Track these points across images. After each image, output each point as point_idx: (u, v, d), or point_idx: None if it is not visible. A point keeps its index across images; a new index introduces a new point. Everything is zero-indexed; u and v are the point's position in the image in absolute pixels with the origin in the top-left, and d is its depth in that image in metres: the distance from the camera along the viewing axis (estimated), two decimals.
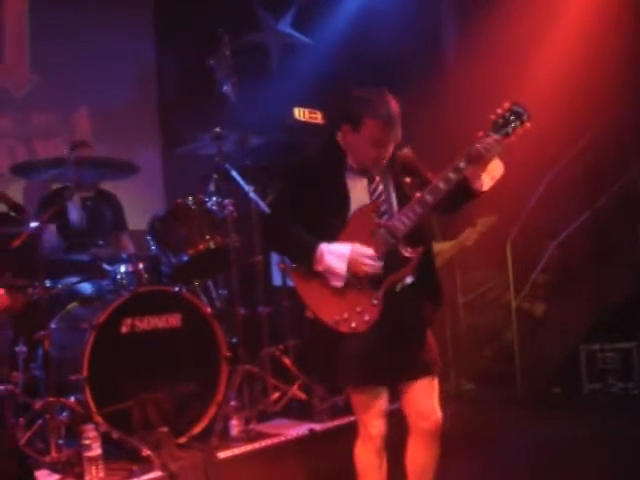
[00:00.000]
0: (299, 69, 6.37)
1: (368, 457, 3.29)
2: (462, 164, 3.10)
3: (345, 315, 3.11)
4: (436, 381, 3.32)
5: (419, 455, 3.35)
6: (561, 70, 6.04)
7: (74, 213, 4.78)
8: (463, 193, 3.21)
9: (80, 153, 4.69)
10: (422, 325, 3.30)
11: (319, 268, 3.13)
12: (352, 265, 3.10)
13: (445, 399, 3.41)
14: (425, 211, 3.13)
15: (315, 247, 3.11)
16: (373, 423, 3.24)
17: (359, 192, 3.22)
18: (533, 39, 6.10)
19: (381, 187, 3.25)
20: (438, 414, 3.31)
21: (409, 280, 3.22)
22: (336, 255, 3.10)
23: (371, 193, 3.23)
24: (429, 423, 3.29)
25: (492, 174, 3.22)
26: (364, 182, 3.24)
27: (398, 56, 6.69)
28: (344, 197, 3.20)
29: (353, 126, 3.16)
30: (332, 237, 3.16)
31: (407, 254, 3.15)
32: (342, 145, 3.25)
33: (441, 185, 3.10)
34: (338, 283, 3.14)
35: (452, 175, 3.10)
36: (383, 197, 3.24)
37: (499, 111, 3.12)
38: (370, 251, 3.12)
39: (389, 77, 6.40)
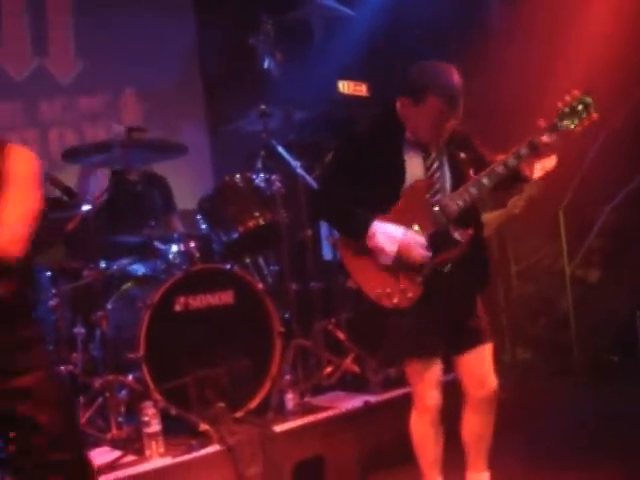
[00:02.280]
0: (342, 42, 6.31)
1: (424, 428, 3.31)
2: (524, 152, 3.06)
3: (388, 290, 3.13)
4: (490, 348, 3.32)
5: (475, 423, 3.36)
6: (610, 30, 5.89)
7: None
8: (514, 178, 3.19)
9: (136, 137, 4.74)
10: (471, 297, 3.30)
11: (369, 244, 3.13)
12: (402, 250, 3.10)
13: (501, 369, 3.41)
14: (480, 194, 3.12)
15: (368, 224, 3.11)
16: (428, 394, 3.24)
17: (415, 167, 3.20)
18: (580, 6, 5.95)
19: (437, 163, 3.22)
20: (493, 381, 3.32)
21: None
22: (388, 236, 3.10)
23: (426, 169, 3.21)
24: (484, 391, 3.30)
25: (544, 165, 3.17)
26: (420, 157, 3.22)
27: (441, 25, 6.59)
28: (400, 171, 3.18)
29: (415, 100, 3.12)
30: (383, 210, 3.16)
31: (457, 237, 3.14)
32: (401, 117, 3.21)
33: (499, 170, 3.08)
34: (385, 262, 3.15)
35: (512, 161, 3.08)
36: (438, 174, 3.21)
37: (567, 99, 3.04)
38: (422, 239, 3.11)
39: (432, 47, 6.34)
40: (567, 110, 3.03)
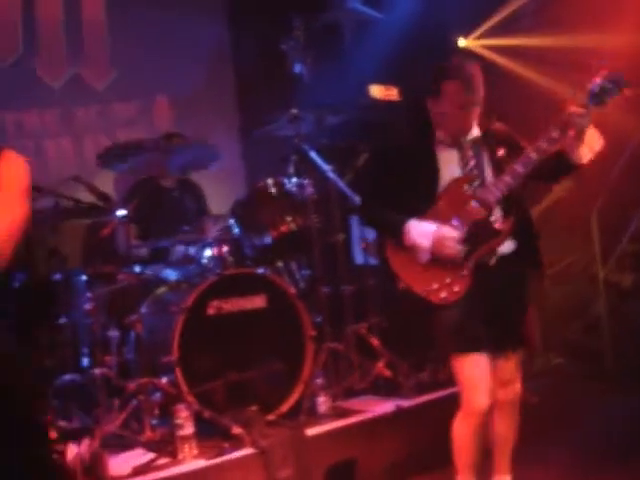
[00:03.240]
0: (373, 46, 6.32)
1: (467, 432, 3.28)
2: (555, 134, 3.07)
3: (435, 286, 3.17)
4: (521, 355, 3.35)
5: (501, 424, 3.39)
6: None
7: None
8: (563, 165, 3.18)
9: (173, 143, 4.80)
10: (523, 296, 3.32)
11: (406, 243, 3.20)
12: (435, 245, 3.15)
13: (533, 373, 3.41)
14: (516, 181, 3.12)
15: (403, 223, 3.19)
16: (477, 399, 3.20)
17: (450, 165, 3.26)
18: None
19: (473, 160, 3.24)
20: (518, 386, 3.35)
21: (507, 250, 3.22)
22: (421, 233, 3.17)
23: (463, 166, 3.25)
24: (508, 393, 3.34)
25: (591, 145, 3.15)
26: (455, 155, 3.27)
27: (471, 25, 6.58)
28: (434, 171, 3.24)
29: (435, 95, 3.23)
30: (423, 211, 3.22)
31: (497, 226, 3.14)
32: (431, 120, 3.31)
33: (533, 155, 3.08)
34: (424, 258, 3.20)
35: (544, 145, 3.08)
36: (476, 170, 3.23)
37: (596, 79, 3.05)
38: (455, 233, 3.15)
39: (459, 49, 6.33)
40: (596, 89, 3.05)
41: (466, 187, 3.21)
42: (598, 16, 5.56)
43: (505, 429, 3.40)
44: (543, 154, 3.09)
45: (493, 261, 3.22)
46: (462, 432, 3.31)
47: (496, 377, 3.29)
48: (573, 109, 3.05)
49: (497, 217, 3.20)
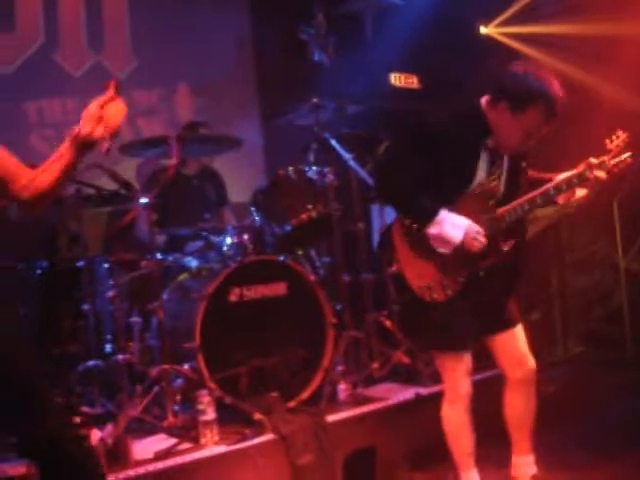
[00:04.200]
0: (393, 34, 6.31)
1: (459, 417, 3.39)
2: (575, 181, 3.17)
3: (430, 284, 3.25)
4: (521, 329, 3.39)
5: (516, 405, 3.42)
6: None
7: None
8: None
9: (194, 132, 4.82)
10: (502, 300, 3.38)
11: (433, 231, 3.15)
12: (467, 238, 3.16)
13: (553, 361, 3.43)
14: (531, 212, 3.23)
15: (437, 210, 3.15)
16: (461, 382, 3.34)
17: (482, 169, 3.24)
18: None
19: (498, 170, 3.26)
20: (531, 361, 3.38)
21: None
22: (455, 225, 3.15)
23: (492, 174, 3.25)
24: (522, 370, 3.37)
25: (575, 195, 3.27)
26: (486, 161, 3.24)
27: (492, 15, 6.54)
28: (472, 172, 3.22)
29: (514, 108, 3.08)
30: (446, 205, 3.20)
31: (502, 247, 3.23)
32: (489, 119, 3.19)
33: (552, 192, 3.19)
34: (446, 250, 3.20)
35: (564, 187, 3.17)
36: (496, 180, 3.26)
37: (615, 139, 3.18)
38: (482, 230, 3.18)
39: (483, 38, 6.30)
40: (616, 151, 3.16)
41: (487, 198, 3.24)
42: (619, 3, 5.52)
43: (521, 409, 3.42)
44: (559, 193, 3.19)
45: (482, 274, 3.28)
46: (453, 419, 3.40)
47: (507, 356, 3.37)
48: (593, 169, 3.14)
49: (503, 237, 3.25)
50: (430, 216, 3.15)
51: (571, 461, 3.98)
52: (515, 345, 3.37)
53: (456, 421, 3.40)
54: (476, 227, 3.17)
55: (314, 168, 4.70)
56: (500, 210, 3.22)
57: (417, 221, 3.23)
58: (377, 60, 6.10)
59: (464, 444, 3.41)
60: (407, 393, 4.41)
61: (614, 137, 3.18)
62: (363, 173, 4.77)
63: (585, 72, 5.48)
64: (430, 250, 3.24)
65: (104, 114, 2.64)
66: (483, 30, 6.37)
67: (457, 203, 3.22)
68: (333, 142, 4.82)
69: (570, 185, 3.17)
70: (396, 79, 6.15)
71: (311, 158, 4.86)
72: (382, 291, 4.98)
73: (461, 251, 3.19)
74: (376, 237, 5.38)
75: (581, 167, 3.16)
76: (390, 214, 4.95)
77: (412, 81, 6.21)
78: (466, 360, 3.34)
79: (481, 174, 3.23)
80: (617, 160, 3.16)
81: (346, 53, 5.78)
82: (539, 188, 3.20)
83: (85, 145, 2.61)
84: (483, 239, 3.16)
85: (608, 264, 6.12)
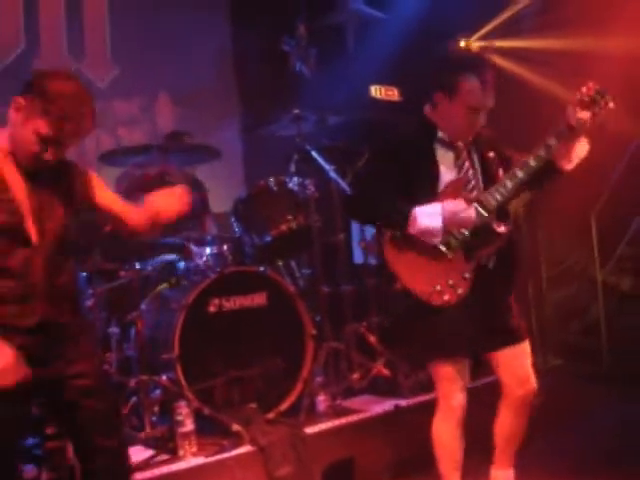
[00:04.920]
0: (374, 47, 6.34)
1: (450, 429, 3.34)
2: (552, 142, 3.14)
3: (438, 287, 3.17)
4: (528, 347, 3.35)
5: (509, 422, 3.40)
6: None
7: None
8: (548, 171, 3.25)
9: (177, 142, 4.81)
10: (506, 295, 3.35)
11: (413, 231, 3.15)
12: (448, 219, 3.13)
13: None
14: (515, 186, 3.17)
15: (408, 210, 3.14)
16: (456, 395, 3.29)
17: (447, 167, 3.25)
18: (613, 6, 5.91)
19: (468, 162, 3.27)
20: (533, 382, 3.35)
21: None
22: (429, 213, 3.13)
23: (458, 168, 3.26)
24: (523, 390, 3.34)
25: (577, 153, 3.24)
26: (451, 156, 3.27)
27: (473, 28, 6.59)
28: (434, 172, 3.23)
29: (448, 92, 3.18)
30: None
31: (498, 229, 3.18)
32: (432, 118, 3.27)
33: (531, 162, 3.14)
34: (436, 240, 3.16)
35: (543, 153, 3.14)
36: (471, 172, 3.26)
37: (584, 90, 3.14)
38: (461, 204, 3.14)
39: (462, 50, 6.33)
40: (586, 99, 3.14)
41: (463, 190, 3.22)
42: (599, 19, 5.58)
43: (515, 427, 3.40)
44: (540, 161, 3.15)
45: (492, 264, 3.25)
46: (444, 431, 3.35)
47: (511, 374, 3.33)
48: (568, 117, 3.13)
49: (497, 220, 3.22)
50: (405, 218, 3.15)
51: (551, 473, 3.99)
52: (521, 363, 3.32)
53: (446, 433, 3.35)
54: (450, 204, 3.13)
55: (295, 179, 4.71)
56: (484, 194, 3.19)
57: (396, 227, 3.22)
58: (359, 72, 6.11)
59: (451, 457, 3.37)
60: (386, 405, 4.41)
61: (583, 87, 3.15)
62: (344, 184, 4.77)
63: (564, 87, 5.53)
64: (428, 253, 3.19)
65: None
66: (463, 44, 6.41)
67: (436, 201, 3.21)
68: (314, 153, 4.82)
69: (549, 147, 3.13)
70: (377, 91, 6.17)
71: (292, 169, 4.86)
72: (362, 302, 4.98)
73: (452, 233, 3.17)
74: (356, 248, 5.40)
75: (556, 126, 3.16)
76: (370, 227, 4.99)
77: (393, 93, 6.23)
78: (463, 373, 3.29)
79: (448, 172, 3.24)
80: (600, 105, 3.12)
81: (327, 65, 5.78)
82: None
83: None
84: (466, 211, 3.12)
85: (585, 277, 6.16)
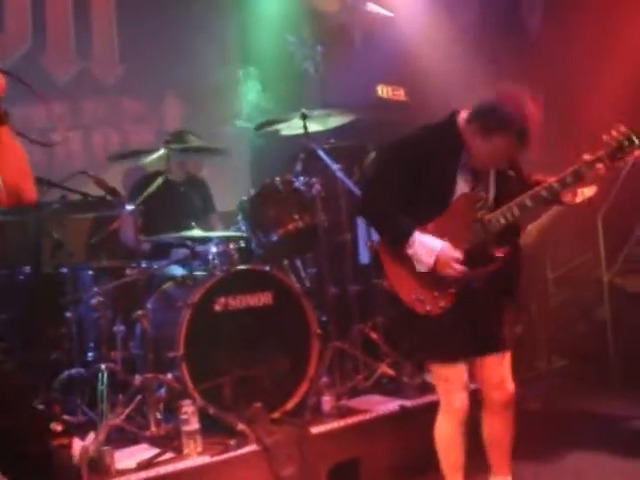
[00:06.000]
0: (381, 46, 6.33)
1: (452, 431, 3.36)
2: (569, 180, 3.12)
3: (421, 297, 3.23)
4: (509, 357, 3.38)
5: (493, 427, 3.43)
6: None
7: None
8: (552, 202, 3.30)
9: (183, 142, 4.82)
10: (498, 308, 3.35)
11: (409, 252, 3.19)
12: (439, 264, 3.16)
13: (536, 376, 3.43)
14: (522, 214, 3.19)
15: (410, 232, 3.17)
16: (457, 396, 3.31)
17: (463, 180, 3.25)
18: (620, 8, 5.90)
19: (485, 181, 3.28)
20: (510, 386, 3.38)
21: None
22: (427, 248, 3.17)
23: (472, 182, 3.26)
24: (499, 393, 3.37)
25: (584, 193, 3.24)
26: (470, 173, 3.26)
27: (481, 30, 6.58)
28: (451, 184, 3.23)
29: (482, 133, 3.13)
30: (427, 218, 3.22)
31: (495, 253, 3.21)
32: (463, 134, 3.22)
33: (544, 193, 3.15)
34: (421, 269, 3.22)
35: (557, 187, 3.14)
36: (482, 189, 3.27)
37: (614, 134, 3.08)
38: (459, 255, 3.17)
39: (472, 52, 6.32)
40: (614, 145, 3.08)
41: (474, 206, 3.24)
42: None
43: (498, 430, 3.43)
44: (553, 195, 3.16)
45: (478, 285, 3.26)
46: (446, 433, 3.37)
47: (487, 378, 3.37)
48: (592, 162, 3.09)
49: (495, 243, 3.23)
50: (404, 237, 3.18)
51: (556, 476, 3.98)
52: (499, 369, 3.36)
53: (448, 434, 3.37)
54: (449, 251, 3.16)
55: (301, 178, 4.70)
56: (489, 216, 3.20)
57: (393, 242, 3.27)
58: (366, 71, 6.10)
59: (454, 458, 3.39)
60: (392, 405, 4.40)
61: (613, 131, 3.10)
62: (350, 184, 4.76)
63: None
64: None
65: None
66: None
67: (442, 215, 3.22)
68: (320, 152, 4.81)
69: (565, 184, 3.12)
70: (383, 91, 6.16)
71: (299, 168, 4.85)
72: (368, 302, 4.98)
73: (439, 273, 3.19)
74: (362, 248, 5.38)
75: (577, 164, 3.12)
76: None
77: (399, 93, 6.22)
78: (460, 373, 3.31)
79: (463, 185, 3.24)
80: (622, 153, 3.07)
81: (335, 63, 5.77)
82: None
83: None
84: (456, 265, 3.15)
85: (591, 278, 6.15)
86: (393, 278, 3.31)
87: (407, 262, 3.25)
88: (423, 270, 3.21)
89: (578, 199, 3.23)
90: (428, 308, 3.22)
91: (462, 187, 3.24)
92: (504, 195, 3.25)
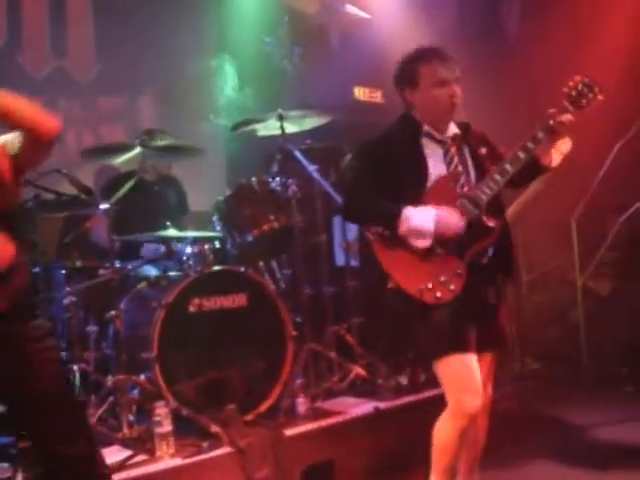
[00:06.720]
0: (359, 48, 6.34)
1: (453, 435, 3.19)
2: (540, 134, 3.14)
3: (430, 285, 3.13)
4: (493, 356, 3.34)
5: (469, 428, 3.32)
6: (626, 43, 5.91)
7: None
8: (532, 169, 3.25)
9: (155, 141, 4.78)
10: (501, 297, 3.33)
11: (403, 230, 3.13)
12: (440, 226, 3.12)
13: (509, 378, 3.42)
14: (505, 180, 3.16)
15: (400, 209, 3.14)
16: (468, 399, 3.13)
17: (435, 163, 3.25)
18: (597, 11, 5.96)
19: (457, 158, 3.26)
20: (489, 389, 3.34)
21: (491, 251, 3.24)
22: (423, 215, 3.12)
23: (447, 164, 3.26)
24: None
25: (560, 150, 3.26)
26: (440, 152, 3.27)
27: (458, 32, 6.60)
28: (423, 168, 3.23)
29: (412, 84, 3.24)
30: (412, 206, 3.17)
31: (490, 224, 3.17)
32: (414, 116, 3.29)
33: (520, 154, 3.15)
34: (424, 243, 3.14)
35: (530, 145, 3.14)
36: (460, 167, 3.26)
37: (571, 84, 3.16)
38: (455, 215, 3.14)
39: (451, 52, 6.33)
40: (574, 94, 3.16)
41: (453, 185, 3.21)
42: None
43: (474, 432, 3.32)
44: (529, 153, 3.15)
45: (485, 260, 3.22)
46: (448, 433, 3.21)
47: None
48: (556, 113, 3.13)
49: (488, 215, 3.19)
50: (396, 217, 3.14)
51: (529, 476, 3.99)
52: (483, 370, 3.26)
53: (450, 437, 3.20)
54: (445, 210, 3.13)
55: (277, 179, 4.69)
56: (473, 191, 3.18)
57: (386, 226, 3.20)
58: (343, 72, 6.10)
59: (449, 459, 3.24)
60: (366, 407, 4.40)
61: (569, 82, 3.17)
62: (326, 185, 4.76)
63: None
64: (418, 252, 3.16)
65: None
66: None
67: (425, 199, 3.18)
68: (297, 153, 4.80)
69: (537, 139, 3.13)
70: (360, 93, 6.16)
71: (275, 168, 4.83)
72: (342, 304, 4.97)
73: (445, 242, 3.14)
74: (338, 250, 5.38)
75: (544, 119, 3.15)
76: (352, 227, 4.98)
77: (376, 95, 6.23)
78: (472, 367, 3.14)
79: (439, 168, 3.23)
80: (584, 98, 3.14)
81: (312, 64, 5.76)
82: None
83: None
84: (456, 219, 3.12)
85: (565, 281, 6.20)
86: (396, 274, 3.20)
87: (405, 253, 3.17)
88: (425, 244, 3.12)
89: (556, 160, 3.24)
90: (438, 295, 3.11)
91: (436, 170, 3.23)
92: (483, 172, 3.24)
